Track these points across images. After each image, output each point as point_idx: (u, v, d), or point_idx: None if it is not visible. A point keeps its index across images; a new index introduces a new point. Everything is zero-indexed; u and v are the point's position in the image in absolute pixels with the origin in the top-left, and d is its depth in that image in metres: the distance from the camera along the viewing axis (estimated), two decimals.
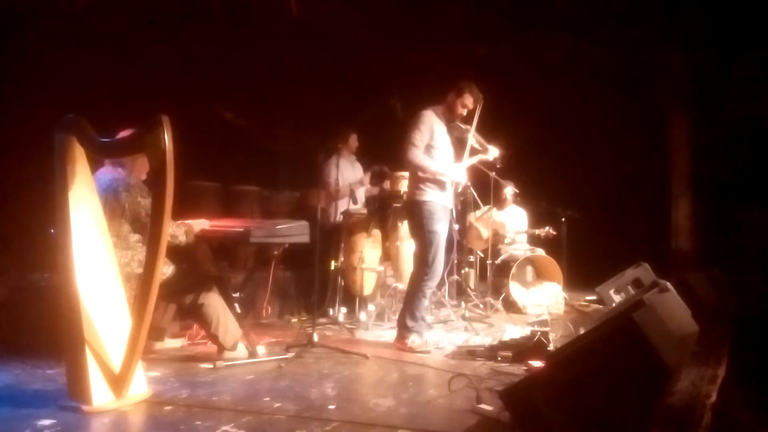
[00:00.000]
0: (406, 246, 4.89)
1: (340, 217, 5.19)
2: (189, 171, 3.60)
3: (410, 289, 4.05)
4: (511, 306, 5.65)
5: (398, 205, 4.96)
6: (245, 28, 5.67)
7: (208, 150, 5.44)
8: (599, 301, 5.67)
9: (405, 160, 4.00)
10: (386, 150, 4.93)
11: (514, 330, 4.16)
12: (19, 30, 4.28)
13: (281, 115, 6.43)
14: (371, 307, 5.06)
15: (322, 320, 4.78)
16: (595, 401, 1.99)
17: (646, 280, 5.01)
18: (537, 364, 3.21)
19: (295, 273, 5.22)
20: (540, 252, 6.09)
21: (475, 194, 5.61)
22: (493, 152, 4.33)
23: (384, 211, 5.23)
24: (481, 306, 5.52)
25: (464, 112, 4.11)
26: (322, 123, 5.95)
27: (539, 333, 3.60)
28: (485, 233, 5.89)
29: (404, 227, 4.88)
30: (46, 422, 2.39)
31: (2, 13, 4.16)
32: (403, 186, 4.72)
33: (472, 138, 4.19)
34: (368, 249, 5.05)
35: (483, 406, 2.64)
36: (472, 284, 5.94)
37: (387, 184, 5.27)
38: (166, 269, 3.23)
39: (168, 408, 2.63)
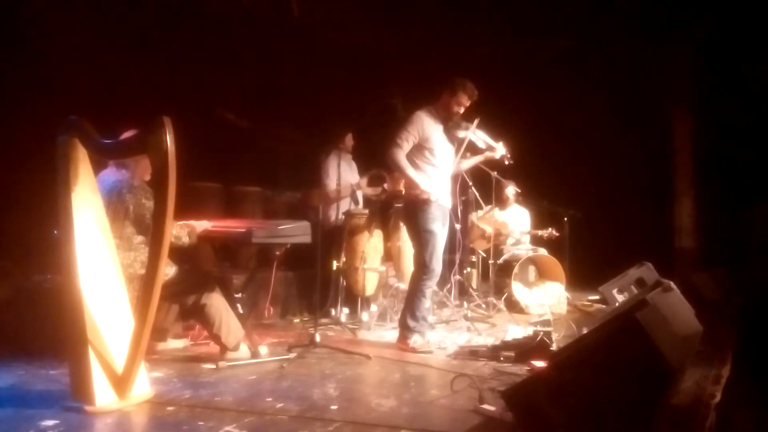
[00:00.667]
0: (408, 246, 4.86)
1: (341, 218, 5.19)
2: (191, 172, 3.60)
3: (410, 289, 4.06)
4: (513, 306, 5.64)
5: (399, 205, 4.95)
6: (246, 29, 5.67)
7: (210, 151, 5.45)
8: (602, 301, 5.65)
9: (387, 156, 3.99)
10: (385, 150, 4.92)
11: (516, 330, 4.16)
12: (20, 30, 4.28)
13: (282, 116, 6.42)
14: (373, 307, 5.06)
15: (324, 320, 4.79)
16: (598, 401, 1.98)
17: (649, 280, 4.99)
18: (540, 364, 3.21)
19: (297, 273, 5.22)
20: (542, 252, 6.08)
21: (477, 194, 5.60)
22: (500, 150, 4.30)
23: (385, 211, 5.24)
24: (484, 306, 5.52)
25: (461, 111, 4.05)
26: (322, 123, 5.95)
27: (542, 333, 3.59)
28: (489, 230, 5.89)
29: None
30: (50, 423, 2.40)
31: (3, 12, 4.17)
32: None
33: (475, 137, 4.17)
34: (370, 249, 5.05)
35: (485, 406, 2.63)
36: (474, 284, 5.93)
37: (387, 185, 5.27)
38: (168, 270, 3.23)
39: (171, 408, 2.63)
